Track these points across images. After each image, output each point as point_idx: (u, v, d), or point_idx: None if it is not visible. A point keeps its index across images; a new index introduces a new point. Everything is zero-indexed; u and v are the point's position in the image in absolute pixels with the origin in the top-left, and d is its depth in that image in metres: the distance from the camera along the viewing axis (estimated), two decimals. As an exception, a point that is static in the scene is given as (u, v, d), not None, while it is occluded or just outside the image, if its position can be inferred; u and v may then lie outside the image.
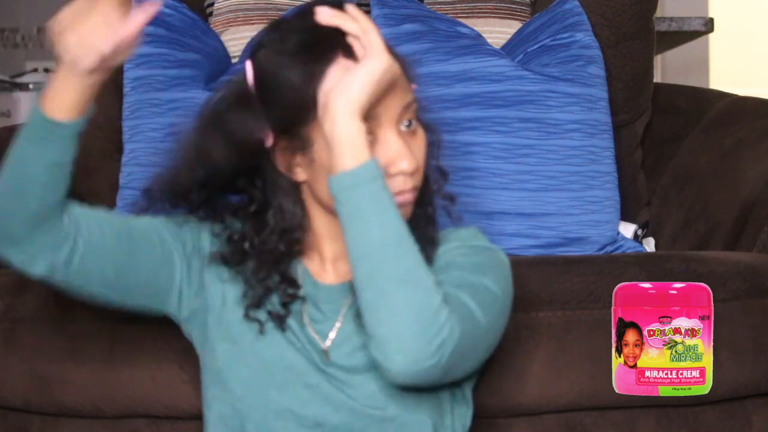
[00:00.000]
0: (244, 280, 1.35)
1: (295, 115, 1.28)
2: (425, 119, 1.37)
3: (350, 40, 1.26)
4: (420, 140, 1.32)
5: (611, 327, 1.54)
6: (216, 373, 1.36)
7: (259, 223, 1.35)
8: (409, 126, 1.31)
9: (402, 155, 1.28)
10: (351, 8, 1.27)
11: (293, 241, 1.35)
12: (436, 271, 1.29)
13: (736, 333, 1.58)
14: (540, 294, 1.54)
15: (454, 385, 1.35)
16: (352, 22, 1.25)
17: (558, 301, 1.54)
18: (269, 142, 1.31)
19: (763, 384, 1.61)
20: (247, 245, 1.34)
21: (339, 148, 1.22)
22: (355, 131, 1.22)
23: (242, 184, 1.36)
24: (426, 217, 1.35)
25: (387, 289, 1.21)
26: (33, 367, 1.59)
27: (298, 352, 1.33)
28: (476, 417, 1.51)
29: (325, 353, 1.33)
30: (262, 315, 1.34)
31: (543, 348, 1.53)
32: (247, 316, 1.34)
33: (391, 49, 1.31)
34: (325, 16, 1.26)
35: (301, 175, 1.33)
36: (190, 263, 1.37)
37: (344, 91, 1.23)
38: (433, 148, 1.37)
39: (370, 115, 1.26)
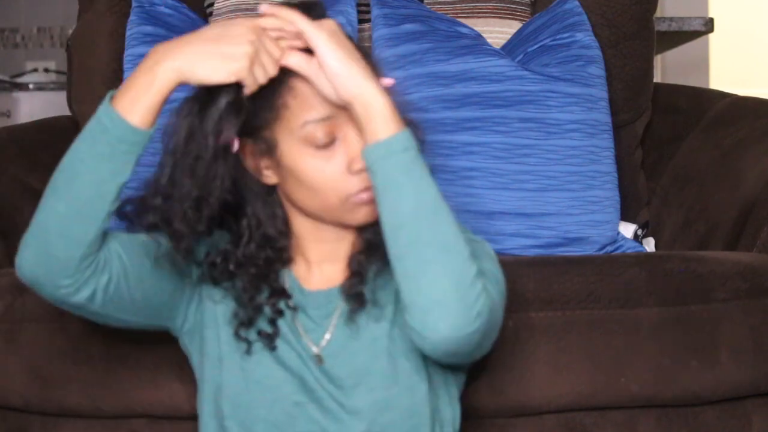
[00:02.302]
0: (234, 299, 1.34)
1: (256, 117, 1.28)
2: (407, 119, 1.36)
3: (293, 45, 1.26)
4: None
5: (612, 326, 1.54)
6: (209, 387, 1.37)
7: (238, 236, 1.34)
8: None
9: None
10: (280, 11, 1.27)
11: (279, 249, 1.34)
12: None
13: (736, 333, 1.58)
14: (540, 294, 1.54)
15: (442, 391, 1.35)
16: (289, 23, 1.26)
17: (558, 301, 1.54)
18: (235, 146, 1.29)
19: (763, 384, 1.61)
20: (231, 266, 1.33)
21: (369, 120, 1.22)
22: (381, 98, 1.23)
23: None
24: None
25: (427, 257, 1.20)
26: (33, 367, 1.59)
27: (286, 370, 1.33)
28: (477, 417, 1.52)
29: (318, 357, 1.33)
30: (252, 335, 1.34)
31: (543, 348, 1.53)
32: (237, 335, 1.33)
33: (351, 41, 1.31)
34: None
35: (271, 178, 1.32)
36: (193, 278, 1.36)
37: (338, 71, 1.23)
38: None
39: (331, 114, 1.27)
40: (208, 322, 1.36)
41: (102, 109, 1.25)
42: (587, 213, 1.90)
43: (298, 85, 1.28)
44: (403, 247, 1.21)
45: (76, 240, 1.24)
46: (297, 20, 1.25)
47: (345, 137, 1.28)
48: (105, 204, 1.25)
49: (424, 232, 1.21)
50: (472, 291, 1.20)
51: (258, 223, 1.33)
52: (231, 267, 1.33)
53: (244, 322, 1.33)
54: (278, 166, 1.30)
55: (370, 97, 1.22)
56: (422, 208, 1.21)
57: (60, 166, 1.27)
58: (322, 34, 1.24)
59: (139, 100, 1.24)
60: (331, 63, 1.23)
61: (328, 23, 1.26)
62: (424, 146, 1.37)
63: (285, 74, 1.27)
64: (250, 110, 1.27)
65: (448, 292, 1.19)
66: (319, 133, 1.27)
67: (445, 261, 1.20)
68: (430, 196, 1.22)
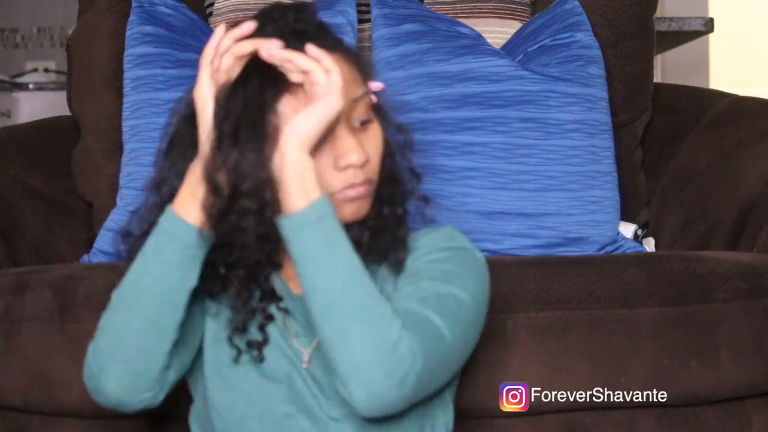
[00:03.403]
0: (230, 306, 1.33)
1: (246, 123, 1.25)
2: (394, 119, 1.35)
3: (299, 75, 1.24)
4: (373, 135, 1.30)
5: (612, 326, 1.54)
6: (200, 402, 1.37)
7: (227, 242, 1.31)
8: (362, 123, 1.29)
9: (351, 149, 1.26)
10: (311, 48, 1.24)
11: (268, 251, 1.31)
12: (405, 278, 1.29)
13: (736, 333, 1.58)
14: (540, 294, 1.54)
15: (433, 395, 1.35)
16: (309, 61, 1.23)
17: (558, 301, 1.54)
18: None
19: (763, 384, 1.61)
20: (222, 270, 1.31)
21: (289, 185, 1.22)
22: (304, 166, 1.22)
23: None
24: (396, 217, 1.34)
25: (342, 326, 1.20)
26: (33, 367, 1.59)
27: (273, 381, 1.32)
28: (476, 417, 1.52)
29: (308, 362, 1.33)
30: (242, 344, 1.33)
31: (543, 348, 1.53)
32: (230, 342, 1.33)
33: (341, 43, 1.30)
34: (275, 52, 1.23)
35: None
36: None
37: (296, 127, 1.21)
38: (404, 148, 1.36)
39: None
40: (204, 337, 1.36)
41: (164, 219, 1.26)
42: (587, 213, 1.90)
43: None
44: (321, 318, 1.21)
45: (155, 353, 1.26)
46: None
47: (333, 133, 1.27)
48: (178, 313, 1.26)
49: (339, 302, 1.20)
50: (392, 356, 1.19)
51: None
52: (222, 271, 1.31)
53: (238, 327, 1.32)
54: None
55: (289, 158, 1.21)
56: (337, 278, 1.21)
57: (124, 281, 1.27)
58: None
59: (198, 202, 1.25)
60: None
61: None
62: (412, 147, 1.37)
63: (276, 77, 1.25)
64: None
65: (365, 360, 1.19)
66: None
67: (360, 329, 1.19)
68: (344, 265, 1.21)
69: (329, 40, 1.30)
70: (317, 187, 1.22)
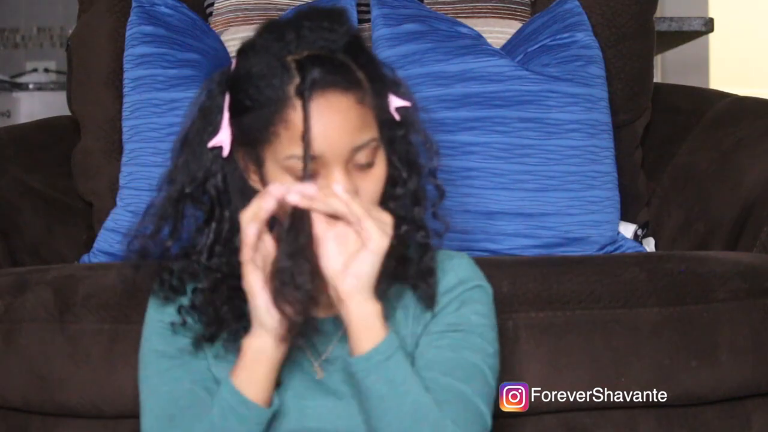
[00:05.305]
0: (234, 351, 1.31)
1: (249, 134, 1.25)
2: (421, 134, 1.33)
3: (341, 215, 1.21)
4: (372, 179, 1.26)
5: (612, 326, 1.54)
6: None
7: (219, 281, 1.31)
8: (365, 162, 1.25)
9: None
10: (339, 190, 1.21)
11: None
12: (442, 323, 1.30)
13: (736, 333, 1.58)
14: (540, 294, 1.54)
15: None
16: (343, 206, 1.21)
17: (558, 301, 1.54)
18: (226, 150, 1.28)
19: (763, 384, 1.61)
20: (225, 311, 1.30)
21: (356, 330, 1.22)
22: (371, 311, 1.22)
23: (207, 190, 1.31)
24: (420, 247, 1.31)
25: None
26: (33, 367, 1.59)
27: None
28: (476, 417, 1.52)
29: (317, 371, 1.33)
30: None
31: (543, 348, 1.53)
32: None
33: (371, 62, 1.26)
34: (303, 199, 1.20)
35: (256, 183, 1.29)
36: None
37: (354, 275, 1.21)
38: (430, 175, 1.35)
39: (318, 155, 1.21)
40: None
41: (230, 396, 1.26)
42: (587, 213, 1.90)
43: (293, 119, 1.22)
44: None
45: None
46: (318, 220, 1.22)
47: (328, 175, 1.23)
48: None
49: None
50: None
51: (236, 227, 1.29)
52: (222, 312, 1.30)
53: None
54: (262, 180, 1.28)
55: (355, 307, 1.22)
56: (403, 416, 1.23)
57: None
58: (329, 235, 1.22)
59: (261, 381, 1.27)
60: (327, 263, 1.21)
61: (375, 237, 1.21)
62: (438, 171, 1.35)
63: (282, 105, 1.22)
64: (245, 125, 1.25)
65: None
66: (301, 170, 1.23)
67: None
68: (411, 404, 1.23)
69: (358, 61, 1.24)
70: (383, 327, 1.23)
